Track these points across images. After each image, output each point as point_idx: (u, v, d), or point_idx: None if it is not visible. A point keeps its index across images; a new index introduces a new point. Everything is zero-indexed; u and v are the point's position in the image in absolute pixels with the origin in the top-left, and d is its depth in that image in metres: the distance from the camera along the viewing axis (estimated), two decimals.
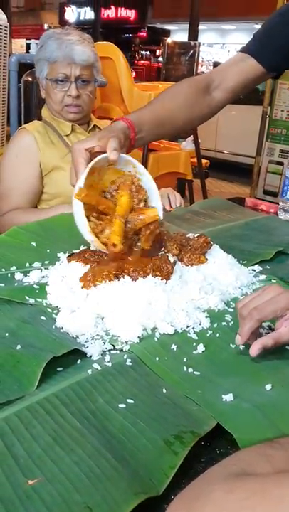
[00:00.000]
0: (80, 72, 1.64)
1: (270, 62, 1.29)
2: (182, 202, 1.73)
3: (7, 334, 0.81)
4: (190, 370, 0.77)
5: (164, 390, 0.72)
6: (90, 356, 0.78)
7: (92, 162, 0.99)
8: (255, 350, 0.77)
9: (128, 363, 0.78)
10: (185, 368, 0.77)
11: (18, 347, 0.76)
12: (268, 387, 0.73)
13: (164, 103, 1.23)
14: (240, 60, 1.31)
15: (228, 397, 0.70)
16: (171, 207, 1.69)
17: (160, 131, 1.22)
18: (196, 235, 1.12)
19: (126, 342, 0.82)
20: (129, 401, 0.68)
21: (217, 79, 1.30)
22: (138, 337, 0.83)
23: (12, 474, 0.55)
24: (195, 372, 0.77)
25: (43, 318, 0.87)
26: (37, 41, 1.96)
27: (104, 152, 0.99)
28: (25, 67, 2.29)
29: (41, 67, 1.68)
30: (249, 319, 0.79)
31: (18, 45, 9.65)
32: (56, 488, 0.53)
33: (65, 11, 27.44)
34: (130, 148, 1.11)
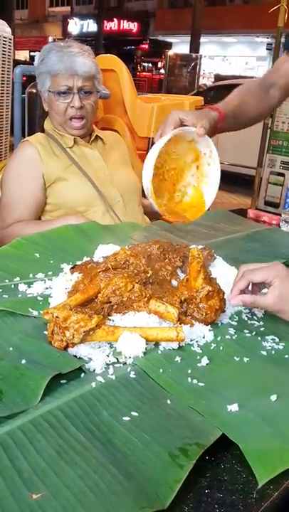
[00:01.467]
0: (82, 83, 1.66)
1: None
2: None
3: (11, 348, 0.80)
4: (194, 381, 0.77)
5: (169, 402, 0.71)
6: (94, 370, 0.78)
7: (179, 129, 1.13)
8: (234, 299, 0.93)
9: (132, 375, 0.77)
10: (189, 380, 0.77)
11: (23, 361, 0.76)
12: (273, 397, 0.73)
13: (238, 99, 1.38)
14: (285, 59, 1.47)
15: (233, 407, 0.70)
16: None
17: (236, 123, 1.37)
18: (200, 247, 1.12)
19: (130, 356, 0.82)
20: (134, 414, 0.68)
21: (272, 78, 1.47)
22: (142, 351, 0.83)
23: (16, 488, 0.54)
24: (199, 384, 0.76)
25: (45, 332, 0.86)
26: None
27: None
28: (30, 78, 2.30)
29: (43, 80, 1.69)
30: (241, 279, 0.94)
31: (22, 56, 9.75)
32: (61, 502, 0.53)
33: (68, 24, 27.70)
34: (212, 135, 1.23)
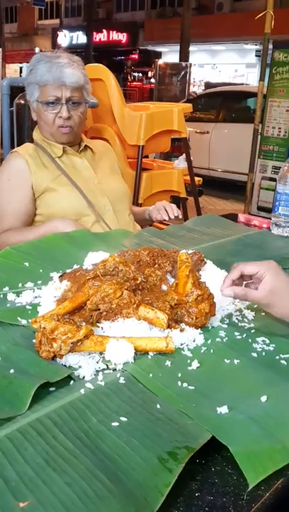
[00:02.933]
0: (71, 94, 1.66)
1: None
2: (179, 212, 1.75)
3: (0, 358, 0.80)
4: (184, 385, 0.76)
5: (158, 406, 0.71)
6: (83, 377, 0.78)
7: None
8: (225, 290, 0.94)
9: (121, 381, 0.77)
10: (179, 383, 0.77)
11: (12, 371, 0.75)
12: (263, 398, 0.73)
13: None
14: None
15: (223, 410, 0.70)
16: (169, 218, 1.72)
17: None
18: (190, 252, 1.12)
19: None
20: (123, 419, 0.67)
21: None
22: (132, 357, 0.82)
23: (2, 497, 0.54)
24: (189, 387, 0.76)
25: (34, 341, 0.85)
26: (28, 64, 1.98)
27: None
28: (18, 90, 2.31)
29: (32, 91, 1.70)
30: (233, 270, 0.96)
31: (12, 69, 9.79)
32: (48, 510, 0.52)
33: (57, 36, 27.88)
34: None
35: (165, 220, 1.85)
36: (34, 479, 0.56)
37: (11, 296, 1.01)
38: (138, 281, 0.96)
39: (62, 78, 1.63)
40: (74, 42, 26.98)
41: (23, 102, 2.23)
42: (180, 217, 1.81)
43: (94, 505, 0.53)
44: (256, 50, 19.68)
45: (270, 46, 4.60)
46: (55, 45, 27.47)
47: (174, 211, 1.74)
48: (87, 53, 20.64)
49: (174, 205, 1.78)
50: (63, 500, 0.53)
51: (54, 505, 0.53)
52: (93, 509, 0.52)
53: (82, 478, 0.56)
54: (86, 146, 1.80)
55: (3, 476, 0.57)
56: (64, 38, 27.76)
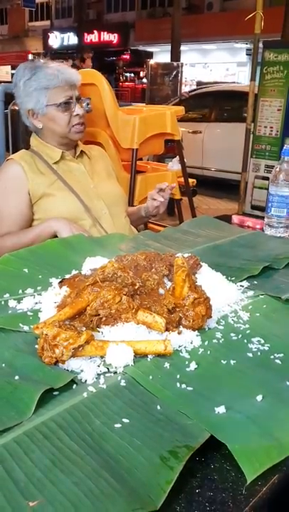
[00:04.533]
0: (78, 92, 1.74)
1: None
2: (171, 185, 1.85)
3: (3, 365, 0.82)
4: (183, 386, 0.79)
5: (159, 407, 0.74)
6: (85, 380, 0.80)
7: None
8: None
9: (122, 383, 0.80)
10: (178, 385, 0.79)
11: (16, 377, 0.78)
12: (259, 398, 0.76)
13: None
14: None
15: (221, 409, 0.73)
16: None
17: None
18: (186, 256, 1.15)
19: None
20: (125, 420, 0.70)
21: None
22: (132, 360, 0.85)
23: (13, 498, 0.56)
24: (188, 388, 0.79)
25: (36, 347, 0.87)
26: None
27: None
28: (11, 96, 2.33)
29: (37, 98, 1.69)
30: None
31: (4, 71, 9.76)
32: (57, 508, 0.55)
33: (48, 37, 27.86)
34: None
35: (161, 221, 1.90)
36: (42, 480, 0.59)
37: (12, 303, 1.04)
38: (136, 287, 0.99)
39: (70, 78, 1.70)
40: (65, 43, 26.98)
41: (17, 108, 2.25)
42: (174, 185, 1.89)
43: (101, 502, 0.55)
44: (247, 49, 19.74)
45: (261, 45, 4.64)
46: (46, 46, 27.46)
47: (166, 186, 1.82)
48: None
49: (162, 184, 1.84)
50: (71, 498, 0.56)
51: (63, 504, 0.55)
52: (100, 507, 0.55)
53: (88, 478, 0.59)
54: (82, 151, 1.83)
55: (13, 477, 0.59)
56: (55, 39, 27.75)
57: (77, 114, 1.72)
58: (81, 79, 1.77)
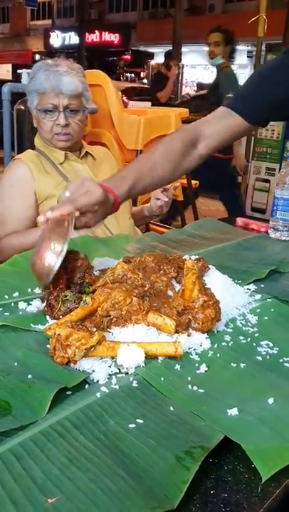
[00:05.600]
0: (68, 101, 1.69)
1: (254, 117, 1.42)
2: (172, 185, 1.84)
3: (16, 364, 0.83)
4: (194, 388, 0.80)
5: (172, 408, 0.75)
6: (97, 381, 0.81)
7: None
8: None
9: (134, 384, 0.80)
10: (190, 386, 0.80)
11: (30, 376, 0.79)
12: (270, 401, 0.77)
13: (154, 159, 1.34)
14: (224, 115, 1.42)
15: (233, 412, 0.74)
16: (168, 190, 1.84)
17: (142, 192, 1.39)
18: (194, 258, 1.16)
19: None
20: (139, 421, 0.71)
21: (204, 134, 1.40)
22: (142, 361, 0.86)
23: (32, 495, 0.57)
24: (199, 390, 0.80)
25: (48, 346, 0.88)
26: (29, 71, 2.02)
27: None
28: (18, 96, 2.34)
29: (32, 98, 1.74)
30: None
31: (4, 70, 9.76)
32: (75, 504, 0.56)
33: (50, 36, 27.84)
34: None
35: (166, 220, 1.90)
36: (59, 476, 0.60)
37: (22, 305, 1.04)
38: (146, 288, 1.00)
39: (59, 86, 1.67)
40: (66, 43, 26.97)
41: (23, 107, 2.26)
42: (177, 185, 1.91)
43: (118, 499, 0.56)
44: (248, 51, 19.78)
45: (263, 48, 4.65)
46: (47, 45, 27.45)
47: (169, 185, 1.81)
48: (79, 54, 20.64)
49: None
50: (89, 494, 0.57)
51: (81, 499, 0.56)
52: (118, 503, 0.56)
53: (105, 475, 0.60)
54: (87, 152, 1.84)
55: (30, 475, 0.60)
56: (56, 38, 27.75)
57: (59, 124, 1.70)
58: (84, 85, 1.74)
